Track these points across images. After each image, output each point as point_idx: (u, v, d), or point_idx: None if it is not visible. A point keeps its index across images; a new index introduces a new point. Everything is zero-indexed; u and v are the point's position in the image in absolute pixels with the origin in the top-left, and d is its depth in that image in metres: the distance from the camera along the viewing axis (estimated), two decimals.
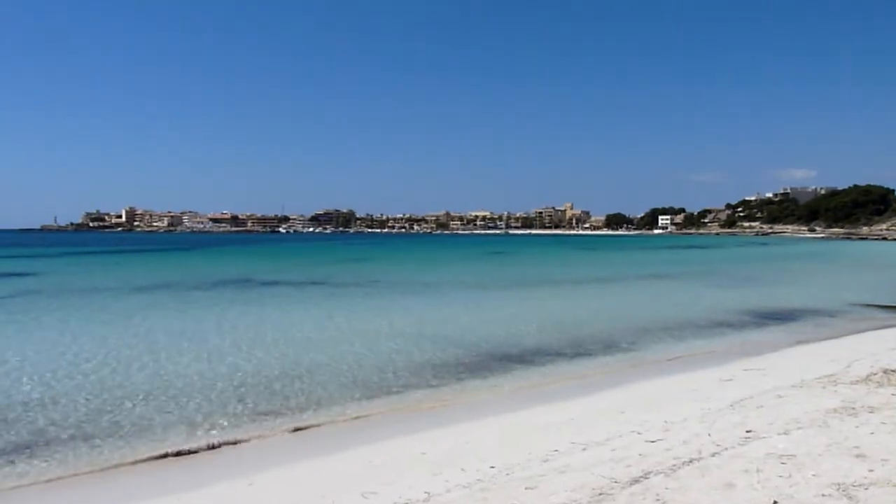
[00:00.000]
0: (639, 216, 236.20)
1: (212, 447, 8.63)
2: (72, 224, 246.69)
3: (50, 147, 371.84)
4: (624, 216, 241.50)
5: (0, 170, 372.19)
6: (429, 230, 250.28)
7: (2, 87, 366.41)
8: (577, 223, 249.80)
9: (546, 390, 11.51)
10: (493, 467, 6.87)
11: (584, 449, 7.24)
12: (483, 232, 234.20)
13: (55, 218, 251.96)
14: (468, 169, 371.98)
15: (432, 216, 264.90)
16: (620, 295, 28.58)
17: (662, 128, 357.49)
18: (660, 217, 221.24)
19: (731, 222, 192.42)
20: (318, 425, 9.57)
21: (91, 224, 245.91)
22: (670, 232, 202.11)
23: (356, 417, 9.96)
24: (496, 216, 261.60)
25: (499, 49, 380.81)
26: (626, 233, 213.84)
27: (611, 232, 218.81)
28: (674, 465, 6.08)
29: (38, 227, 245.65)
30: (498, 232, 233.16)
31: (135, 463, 8.13)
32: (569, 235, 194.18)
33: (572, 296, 28.00)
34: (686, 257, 66.15)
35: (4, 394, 10.95)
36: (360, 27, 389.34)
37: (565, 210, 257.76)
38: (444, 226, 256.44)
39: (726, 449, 6.49)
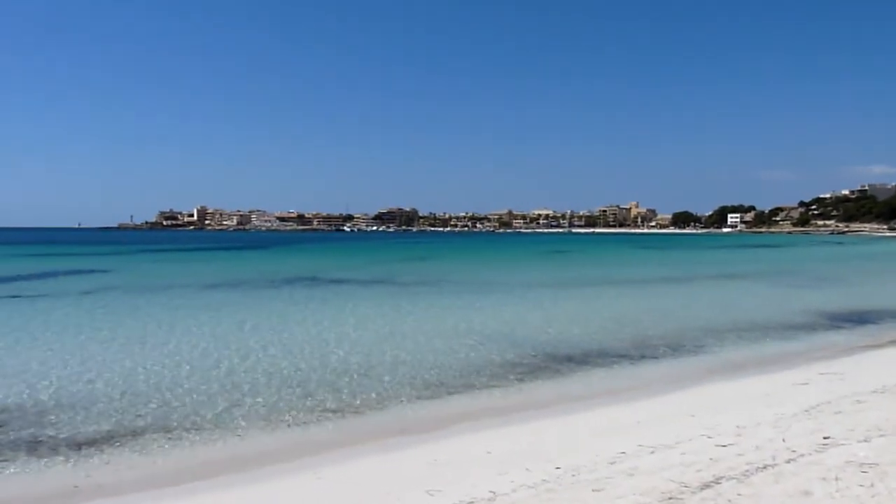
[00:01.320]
0: (706, 214, 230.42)
1: (283, 440, 8.83)
2: (147, 222, 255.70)
3: (127, 147, 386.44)
4: (691, 214, 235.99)
5: (80, 170, 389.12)
6: (491, 229, 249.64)
7: (84, 89, 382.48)
8: (642, 222, 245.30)
9: (611, 392, 11.36)
10: (558, 468, 6.81)
11: (652, 452, 7.11)
12: (545, 231, 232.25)
13: (131, 217, 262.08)
14: (531, 167, 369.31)
15: (495, 215, 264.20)
16: (687, 295, 27.96)
17: (731, 125, 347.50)
18: (729, 215, 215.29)
19: (804, 221, 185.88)
20: (383, 422, 9.68)
21: (165, 222, 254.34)
22: (740, 231, 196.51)
23: (420, 415, 10.02)
24: (559, 215, 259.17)
25: (565, 48, 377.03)
26: (693, 231, 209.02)
27: (677, 231, 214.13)
28: (746, 471, 5.91)
29: (115, 225, 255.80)
30: (561, 231, 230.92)
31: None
32: (634, 234, 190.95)
33: (637, 296, 27.51)
34: (757, 256, 64.28)
35: (109, 384, 11.43)
36: (428, 28, 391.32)
37: (630, 208, 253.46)
38: (506, 224, 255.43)
39: (802, 455, 6.28)
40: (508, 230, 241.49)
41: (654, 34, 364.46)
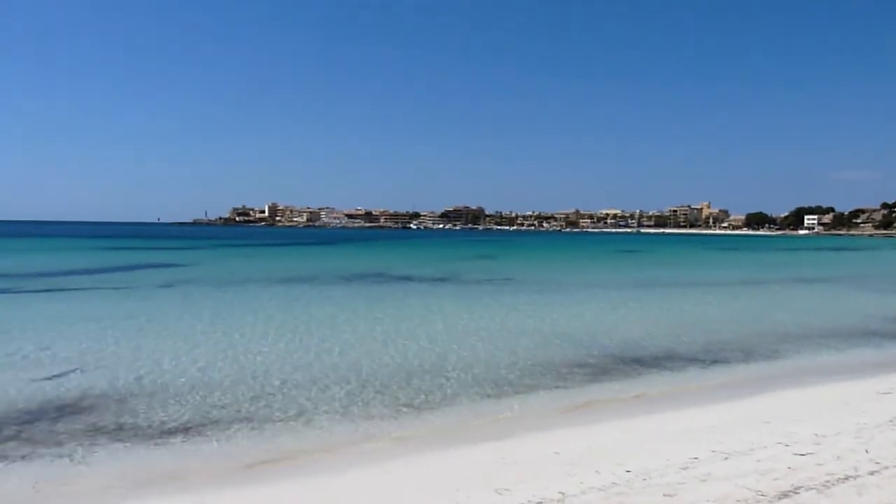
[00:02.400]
0: (782, 216, 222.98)
1: (354, 433, 9.00)
2: (220, 218, 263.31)
3: (203, 144, 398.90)
4: (765, 215, 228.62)
5: (160, 166, 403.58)
6: (558, 228, 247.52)
7: (166, 88, 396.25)
8: (714, 222, 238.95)
9: (682, 395, 11.14)
10: (628, 471, 6.74)
11: (726, 458, 6.96)
12: (613, 230, 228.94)
13: (206, 213, 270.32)
14: (599, 166, 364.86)
15: (562, 214, 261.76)
16: (761, 299, 27.15)
17: (808, 124, 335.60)
18: (805, 217, 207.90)
19: (887, 223, 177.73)
20: (451, 419, 9.76)
21: (237, 218, 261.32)
22: (817, 233, 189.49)
23: (488, 413, 10.06)
24: (627, 214, 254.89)
25: (635, 47, 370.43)
26: (767, 233, 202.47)
27: (751, 232, 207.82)
28: (827, 482, 5.74)
29: (190, 220, 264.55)
30: (629, 230, 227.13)
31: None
32: (705, 235, 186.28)
33: (707, 298, 26.83)
34: (836, 259, 61.86)
35: (191, 374, 11.89)
36: (496, 27, 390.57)
37: (702, 208, 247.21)
38: (573, 224, 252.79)
39: (887, 468, 6.06)
40: (575, 230, 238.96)
41: (723, 34, 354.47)
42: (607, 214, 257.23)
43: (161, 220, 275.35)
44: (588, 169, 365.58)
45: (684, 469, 6.66)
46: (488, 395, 10.99)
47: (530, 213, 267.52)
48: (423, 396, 10.81)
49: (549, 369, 12.82)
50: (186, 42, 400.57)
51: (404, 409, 10.14)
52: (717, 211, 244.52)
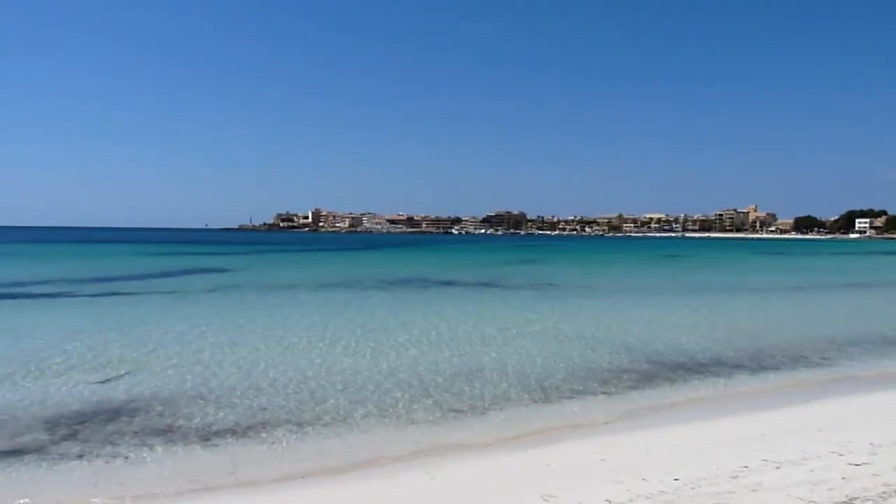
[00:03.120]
0: (832, 219, 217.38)
1: (399, 438, 9.06)
2: (265, 224, 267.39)
3: (248, 150, 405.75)
4: (814, 219, 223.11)
5: (203, 175, 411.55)
6: (600, 232, 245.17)
7: (215, 96, 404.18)
8: (761, 226, 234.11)
9: (730, 402, 10.97)
10: (677, 479, 6.67)
11: (777, 467, 6.84)
12: (657, 235, 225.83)
13: (250, 218, 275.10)
14: (642, 169, 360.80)
15: (604, 218, 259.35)
16: (810, 304, 26.53)
17: (860, 125, 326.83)
18: (857, 220, 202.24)
19: None
20: (497, 424, 9.75)
21: (281, 224, 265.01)
22: (869, 237, 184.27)
23: (533, 419, 10.03)
24: (671, 218, 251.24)
25: (677, 48, 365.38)
26: (816, 237, 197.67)
27: (799, 236, 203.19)
28: (884, 493, 5.60)
29: (236, 226, 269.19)
30: (673, 235, 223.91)
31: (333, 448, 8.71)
32: (752, 239, 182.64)
33: (755, 304, 26.31)
34: (889, 264, 60.03)
35: (237, 377, 12.13)
36: (541, 32, 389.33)
37: (748, 212, 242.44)
38: (616, 228, 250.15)
39: None
40: (618, 234, 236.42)
41: (771, 35, 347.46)
42: (651, 219, 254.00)
43: (209, 227, 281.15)
44: (631, 172, 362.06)
45: (734, 478, 6.56)
46: (534, 401, 10.96)
47: (572, 217, 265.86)
48: (468, 402, 10.83)
49: (594, 375, 12.73)
50: (234, 51, 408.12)
51: (450, 414, 10.17)
52: (764, 214, 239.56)
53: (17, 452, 8.27)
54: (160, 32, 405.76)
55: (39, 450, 8.39)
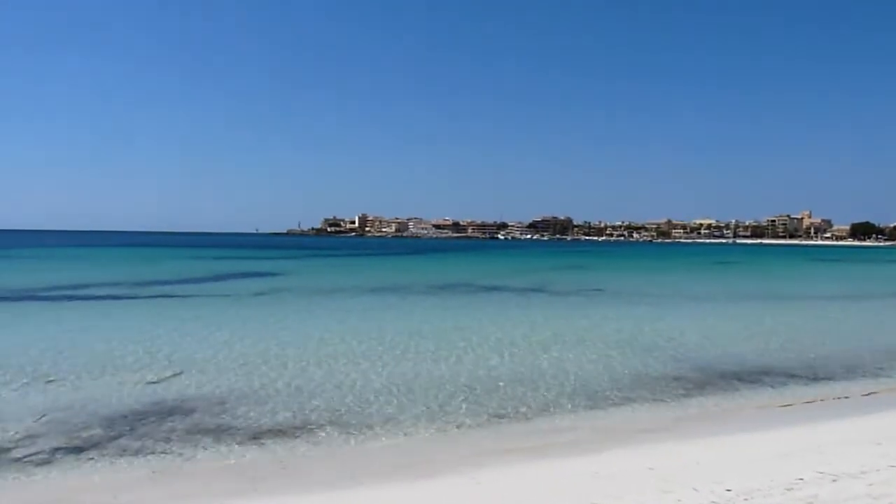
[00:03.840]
0: (891, 225, 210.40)
1: (445, 442, 9.09)
2: (312, 229, 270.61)
3: (295, 155, 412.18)
4: (872, 225, 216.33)
5: (253, 180, 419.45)
6: (648, 239, 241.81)
7: (268, 102, 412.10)
8: (815, 233, 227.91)
9: (783, 412, 10.72)
10: (729, 490, 6.54)
11: (834, 480, 6.66)
12: (707, 241, 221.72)
13: (299, 223, 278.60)
14: (691, 174, 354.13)
15: (652, 224, 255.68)
16: (867, 314, 25.74)
17: None
18: None
19: None
20: (544, 431, 9.71)
21: (329, 229, 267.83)
22: None
23: (581, 426, 9.97)
24: (722, 224, 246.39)
25: (732, 55, 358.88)
26: (875, 244, 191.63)
27: (856, 243, 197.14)
28: None
29: (284, 231, 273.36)
30: (724, 241, 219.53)
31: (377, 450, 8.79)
32: (806, 246, 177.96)
33: (809, 313, 25.64)
34: None
35: (286, 379, 12.35)
36: (580, 30, 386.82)
37: (802, 218, 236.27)
38: (665, 234, 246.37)
39: None
40: (667, 240, 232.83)
41: (820, 38, 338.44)
42: (701, 224, 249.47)
43: (259, 231, 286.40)
44: (680, 177, 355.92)
45: (789, 490, 6.41)
46: (581, 407, 10.88)
47: (620, 223, 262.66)
48: (514, 407, 10.80)
49: (643, 382, 12.59)
50: (284, 60, 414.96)
51: (496, 419, 10.17)
52: (818, 220, 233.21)
53: (77, 448, 8.56)
54: (206, 40, 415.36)
55: (98, 445, 8.67)
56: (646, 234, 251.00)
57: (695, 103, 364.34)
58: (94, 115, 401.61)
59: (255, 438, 9.09)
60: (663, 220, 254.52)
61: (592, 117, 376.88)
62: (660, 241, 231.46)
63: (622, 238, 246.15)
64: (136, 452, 8.44)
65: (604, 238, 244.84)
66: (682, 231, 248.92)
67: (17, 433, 9.04)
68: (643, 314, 23.39)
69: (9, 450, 8.41)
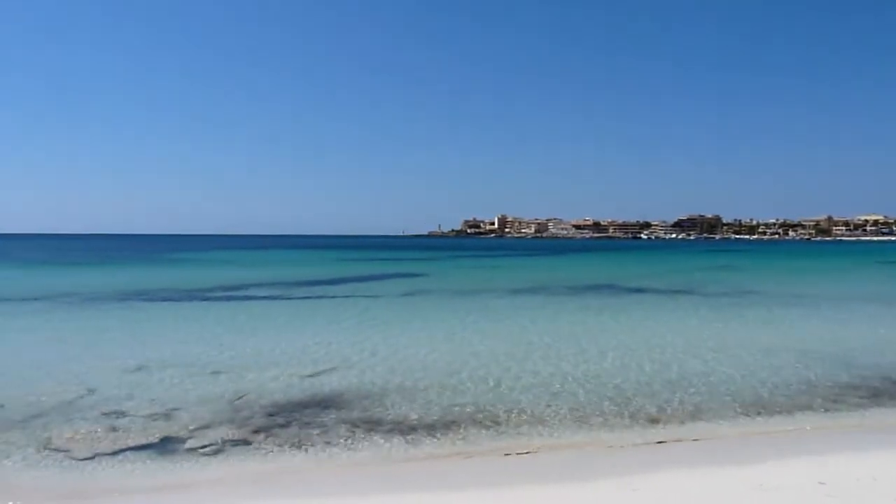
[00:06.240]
0: None
1: (597, 445, 8.94)
2: (452, 230, 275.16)
3: (437, 159, 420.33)
4: None
5: (396, 182, 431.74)
6: (806, 237, 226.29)
7: (417, 107, 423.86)
8: None
9: None
10: None
11: None
12: (874, 239, 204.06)
13: (439, 225, 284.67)
14: (855, 166, 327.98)
15: (810, 221, 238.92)
16: None
17: None
18: None
19: None
20: (701, 436, 9.33)
21: (468, 230, 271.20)
22: None
23: (743, 433, 9.49)
24: (891, 220, 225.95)
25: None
26: None
27: None
28: None
29: (425, 233, 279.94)
30: (894, 239, 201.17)
31: (528, 452, 8.79)
32: None
33: None
34: None
35: (431, 376, 12.67)
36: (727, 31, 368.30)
37: None
38: (824, 232, 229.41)
39: None
40: (826, 238, 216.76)
41: None
42: (866, 221, 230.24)
43: (406, 233, 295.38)
44: (842, 169, 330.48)
45: None
46: (741, 414, 10.28)
47: (773, 220, 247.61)
48: (670, 412, 10.40)
49: (809, 389, 11.76)
50: (431, 62, 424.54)
51: (651, 424, 9.84)
52: None
53: (242, 438, 9.09)
54: (385, 59, 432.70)
55: (260, 435, 9.18)
56: (803, 231, 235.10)
57: (852, 93, 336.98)
58: (290, 127, 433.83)
59: (404, 432, 9.28)
60: (822, 217, 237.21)
61: (742, 113, 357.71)
62: (818, 238, 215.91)
63: (776, 236, 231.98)
64: (299, 444, 8.86)
65: (756, 237, 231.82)
66: (844, 228, 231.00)
67: (189, 423, 9.74)
68: (804, 317, 21.92)
69: (184, 439, 9.05)
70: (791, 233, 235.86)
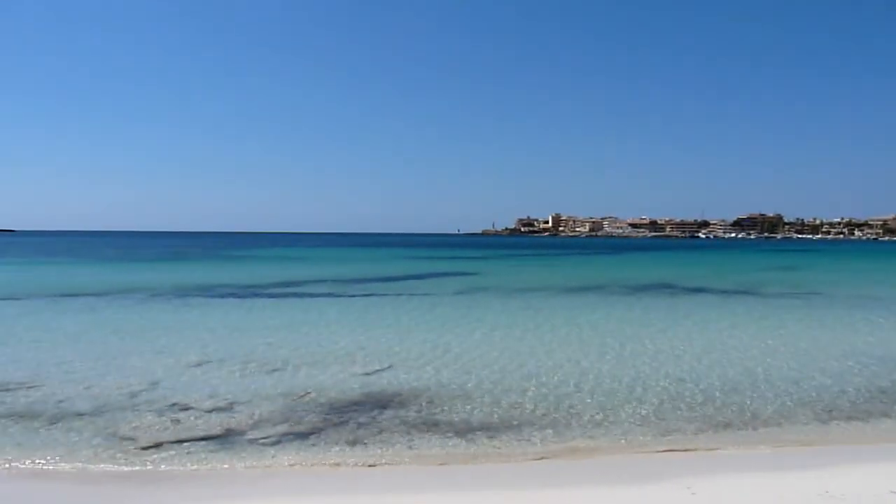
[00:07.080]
0: None
1: (658, 449, 8.80)
2: (506, 229, 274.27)
3: (492, 156, 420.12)
4: None
5: (453, 181, 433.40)
6: (873, 236, 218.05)
7: (481, 109, 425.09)
8: None
9: None
10: None
11: None
12: None
13: (493, 223, 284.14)
14: None
15: (878, 220, 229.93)
16: None
17: None
18: None
19: None
20: (766, 441, 9.08)
21: (522, 229, 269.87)
22: None
23: (806, 439, 9.21)
24: None
25: None
26: None
27: None
28: None
29: (479, 231, 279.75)
30: None
31: (594, 451, 8.70)
32: None
33: None
34: None
35: (487, 376, 12.67)
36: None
37: None
38: (893, 231, 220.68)
39: None
40: (895, 238, 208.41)
41: None
42: None
43: (460, 231, 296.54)
44: None
45: None
46: (807, 419, 9.98)
47: (838, 219, 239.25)
48: (732, 415, 10.15)
49: (882, 394, 11.38)
50: (477, 54, 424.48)
51: (712, 427, 9.61)
52: None
53: (299, 434, 9.21)
54: (403, 42, 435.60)
55: (317, 431, 9.29)
56: (869, 231, 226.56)
57: None
58: (332, 123, 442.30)
59: (461, 433, 9.25)
60: (892, 216, 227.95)
61: (805, 107, 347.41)
62: (887, 238, 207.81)
63: (841, 236, 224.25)
64: (355, 442, 8.92)
65: (819, 236, 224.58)
66: None
67: (249, 417, 9.93)
68: (873, 319, 21.15)
69: (243, 432, 9.24)
70: (857, 232, 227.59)
